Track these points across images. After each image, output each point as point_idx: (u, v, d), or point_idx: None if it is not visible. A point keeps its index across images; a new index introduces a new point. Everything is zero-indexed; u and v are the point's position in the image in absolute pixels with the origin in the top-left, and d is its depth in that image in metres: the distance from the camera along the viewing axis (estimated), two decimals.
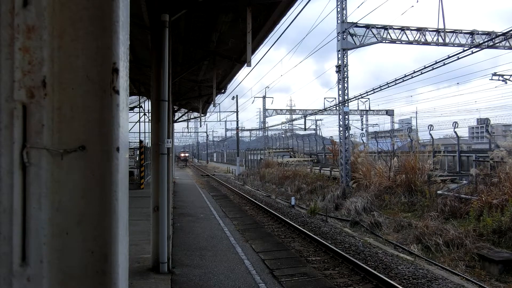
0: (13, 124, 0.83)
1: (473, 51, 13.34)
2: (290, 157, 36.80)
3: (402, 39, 19.42)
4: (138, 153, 18.28)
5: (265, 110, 44.92)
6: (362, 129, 43.36)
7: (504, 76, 23.11)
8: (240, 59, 9.96)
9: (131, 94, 15.63)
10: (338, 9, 18.24)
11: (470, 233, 9.66)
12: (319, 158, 33.46)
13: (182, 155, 75.66)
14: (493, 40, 18.75)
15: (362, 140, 28.67)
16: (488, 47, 18.40)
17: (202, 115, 22.13)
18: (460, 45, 19.51)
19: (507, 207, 10.03)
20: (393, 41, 19.39)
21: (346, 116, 19.19)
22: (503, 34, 16.73)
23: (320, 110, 36.21)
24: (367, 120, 46.89)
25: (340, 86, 18.71)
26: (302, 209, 17.05)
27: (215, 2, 6.88)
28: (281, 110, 46.59)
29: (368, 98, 40.35)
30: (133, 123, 20.86)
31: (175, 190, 19.06)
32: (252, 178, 31.44)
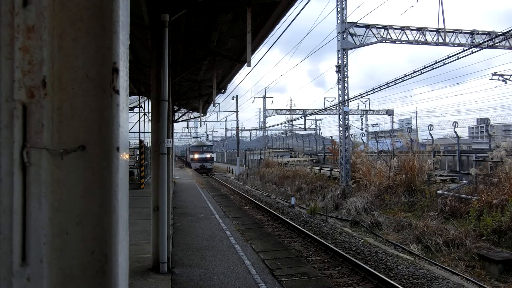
0: (13, 124, 0.83)
1: (473, 51, 13.33)
2: (290, 157, 36.80)
3: (402, 39, 19.41)
4: (138, 153, 18.28)
5: (265, 110, 44.90)
6: (362, 129, 43.35)
7: (504, 76, 23.10)
8: (240, 59, 9.95)
9: (131, 94, 15.62)
10: (338, 9, 18.23)
11: (470, 233, 9.65)
12: (319, 158, 33.46)
13: (197, 156, 41.87)
14: (493, 40, 18.74)
15: (362, 140, 28.66)
16: (488, 47, 18.39)
17: (202, 115, 22.12)
18: (460, 45, 19.50)
19: (507, 207, 10.03)
20: (393, 41, 19.38)
21: (346, 116, 19.18)
22: (503, 34, 16.72)
23: (320, 110, 36.21)
24: (367, 120, 46.88)
25: (340, 86, 18.71)
26: (302, 209, 17.05)
27: (215, 2, 6.87)
28: (281, 110, 46.58)
29: (368, 98, 40.39)
30: (133, 123, 20.85)
31: (175, 190, 19.06)
32: (252, 178, 31.43)
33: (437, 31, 19.54)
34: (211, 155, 42.85)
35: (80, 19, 0.88)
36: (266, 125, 45.46)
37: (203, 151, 42.48)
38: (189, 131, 56.67)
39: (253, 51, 8.76)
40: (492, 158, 14.25)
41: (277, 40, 8.77)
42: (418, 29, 19.58)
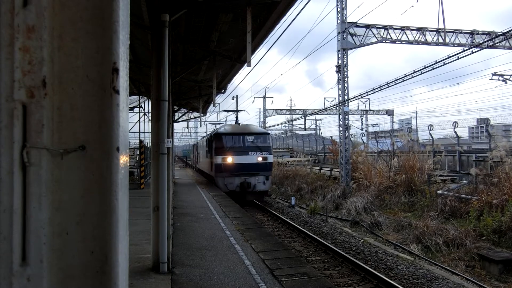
0: (13, 124, 0.83)
1: (473, 51, 13.35)
2: (290, 157, 36.82)
3: (402, 39, 19.41)
4: (138, 153, 18.28)
5: (265, 110, 44.88)
6: (362, 129, 43.33)
7: (504, 76, 23.09)
8: (240, 59, 9.95)
9: (131, 94, 15.61)
10: (338, 9, 18.23)
11: (470, 233, 9.65)
12: (319, 158, 33.48)
13: (234, 160, 17.37)
14: (493, 40, 18.74)
15: (362, 140, 28.68)
16: (488, 47, 18.40)
17: (202, 115, 22.11)
18: (460, 45, 19.50)
19: (507, 207, 10.03)
20: (393, 41, 19.38)
21: (346, 116, 19.19)
22: (503, 34, 16.73)
23: (320, 110, 36.20)
24: (367, 120, 46.84)
25: (340, 86, 18.71)
26: (302, 209, 17.05)
27: (215, 2, 6.87)
28: (281, 110, 46.54)
29: (368, 98, 40.34)
30: (133, 123, 20.86)
31: (175, 190, 19.04)
32: None
33: (437, 31, 19.54)
34: (265, 156, 18.12)
35: (80, 19, 0.87)
36: (266, 125, 45.45)
37: (248, 147, 18.12)
38: (189, 131, 56.26)
39: (253, 51, 8.76)
40: (492, 158, 14.25)
41: (277, 40, 8.78)
42: (418, 29, 19.58)
